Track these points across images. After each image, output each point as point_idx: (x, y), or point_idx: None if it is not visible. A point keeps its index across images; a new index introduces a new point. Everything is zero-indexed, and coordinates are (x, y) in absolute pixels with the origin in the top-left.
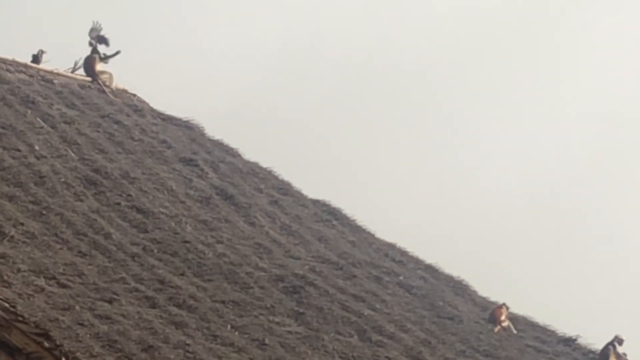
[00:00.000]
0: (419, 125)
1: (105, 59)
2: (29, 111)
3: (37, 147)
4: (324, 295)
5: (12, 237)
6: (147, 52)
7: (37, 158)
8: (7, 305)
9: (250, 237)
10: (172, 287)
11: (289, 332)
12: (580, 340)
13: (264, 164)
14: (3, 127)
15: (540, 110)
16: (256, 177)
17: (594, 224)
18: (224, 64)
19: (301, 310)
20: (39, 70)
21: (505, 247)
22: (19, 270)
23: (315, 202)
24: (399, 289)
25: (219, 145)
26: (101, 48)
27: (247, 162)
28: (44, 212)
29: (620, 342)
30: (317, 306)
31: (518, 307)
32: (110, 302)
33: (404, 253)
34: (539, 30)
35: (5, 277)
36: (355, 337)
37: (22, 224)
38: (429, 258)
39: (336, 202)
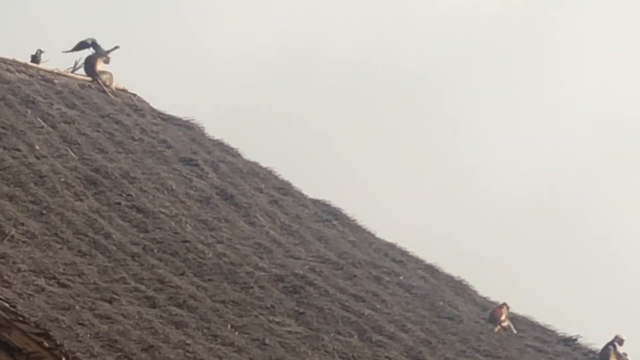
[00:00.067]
0: (419, 125)
1: (105, 54)
2: (29, 111)
3: (37, 147)
4: (324, 295)
5: (12, 236)
6: (147, 52)
7: (37, 158)
8: (7, 305)
9: (251, 237)
10: (172, 287)
11: (289, 332)
12: (580, 340)
13: (264, 163)
14: (3, 127)
15: (540, 110)
16: (256, 177)
17: (594, 224)
18: (224, 64)
19: (301, 310)
20: (39, 70)
21: (505, 247)
22: (19, 270)
23: (316, 202)
24: (399, 289)
25: (219, 145)
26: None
27: (247, 162)
28: (44, 211)
29: (621, 342)
30: (317, 306)
31: (518, 307)
32: (110, 302)
33: (404, 253)
34: (539, 30)
35: (6, 277)
36: (356, 337)
37: (22, 224)
38: (429, 258)
39: (336, 202)
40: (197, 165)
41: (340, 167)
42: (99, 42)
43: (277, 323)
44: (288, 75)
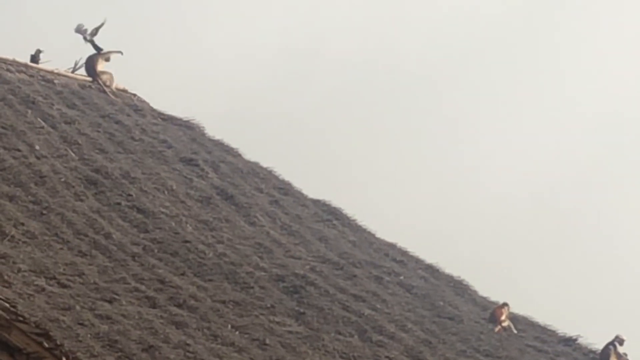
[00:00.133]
0: (419, 125)
1: (105, 54)
2: (30, 111)
3: (37, 147)
4: (325, 295)
5: (12, 237)
6: (147, 52)
7: (38, 158)
8: (7, 305)
9: (251, 237)
10: (172, 287)
11: (290, 332)
12: (580, 340)
13: (264, 163)
14: (3, 127)
15: (540, 110)
16: (256, 177)
17: (594, 224)
18: (224, 64)
19: (302, 310)
20: (39, 70)
21: (506, 247)
22: (19, 270)
23: (316, 202)
24: (399, 288)
25: (219, 145)
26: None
27: (247, 162)
28: (44, 212)
29: (621, 342)
30: (317, 306)
31: (518, 307)
32: (110, 302)
33: (404, 253)
34: (539, 30)
35: (6, 277)
36: (356, 337)
37: (23, 224)
38: (429, 258)
39: (336, 202)
40: (197, 165)
41: (340, 167)
42: (98, 43)
43: (278, 323)
44: (288, 75)
